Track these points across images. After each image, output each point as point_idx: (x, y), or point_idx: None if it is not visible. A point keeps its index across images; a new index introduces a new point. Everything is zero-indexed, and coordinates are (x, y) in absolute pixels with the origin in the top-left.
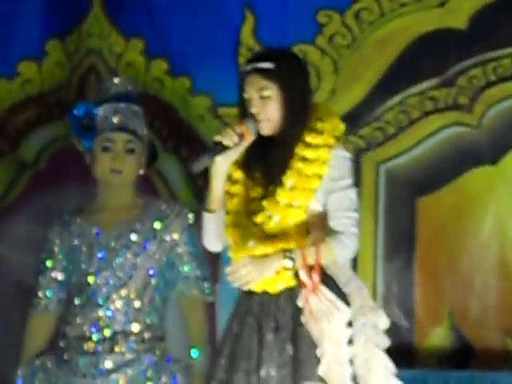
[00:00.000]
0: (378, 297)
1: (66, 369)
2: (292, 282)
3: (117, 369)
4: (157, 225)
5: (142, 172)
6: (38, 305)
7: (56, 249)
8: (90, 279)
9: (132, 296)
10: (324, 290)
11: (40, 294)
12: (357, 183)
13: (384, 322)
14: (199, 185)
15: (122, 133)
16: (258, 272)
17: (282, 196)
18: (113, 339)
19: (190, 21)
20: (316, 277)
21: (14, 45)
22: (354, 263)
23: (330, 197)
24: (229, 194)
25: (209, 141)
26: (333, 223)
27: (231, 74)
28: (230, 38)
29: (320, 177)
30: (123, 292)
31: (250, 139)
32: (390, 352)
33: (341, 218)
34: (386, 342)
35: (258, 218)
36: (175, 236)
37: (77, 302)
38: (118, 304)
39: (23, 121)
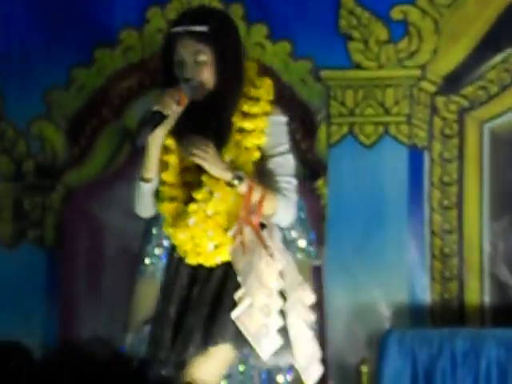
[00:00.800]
0: (484, 256)
1: None
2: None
3: None
4: None
5: None
6: (144, 272)
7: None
8: None
9: None
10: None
11: (147, 260)
12: (461, 143)
13: (310, 297)
14: (302, 148)
15: None
16: (212, 159)
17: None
18: None
19: None
20: (256, 219)
21: (116, 13)
22: (460, 223)
23: (267, 163)
24: (161, 163)
25: (311, 104)
26: (273, 188)
27: (332, 37)
28: (331, 0)
29: (259, 147)
30: None
31: (185, 105)
32: (498, 310)
33: (281, 182)
34: (312, 318)
35: (199, 195)
36: None
37: None
38: None
39: (126, 88)
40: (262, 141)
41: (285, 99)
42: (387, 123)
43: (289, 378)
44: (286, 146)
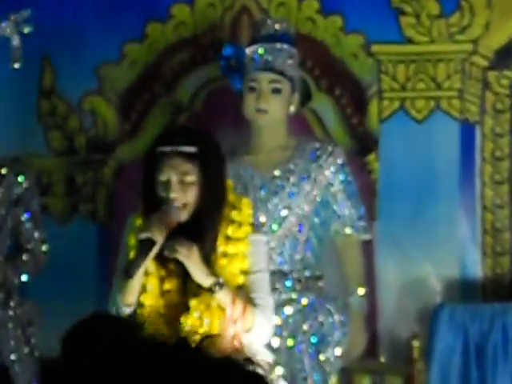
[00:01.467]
0: None
1: None
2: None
3: (274, 308)
4: (310, 165)
5: (292, 112)
6: None
7: None
8: None
9: (287, 236)
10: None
11: None
12: None
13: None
14: (353, 123)
15: (267, 72)
16: (196, 260)
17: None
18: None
19: None
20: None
21: None
22: (511, 198)
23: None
24: (141, 286)
25: (362, 79)
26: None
27: (384, 11)
28: None
29: (244, 272)
30: (278, 232)
31: (172, 227)
32: None
33: (257, 299)
34: None
35: (188, 321)
36: (329, 175)
37: None
38: (274, 244)
39: (178, 63)
40: (246, 264)
41: (336, 74)
42: (439, 98)
43: (337, 352)
44: (262, 266)
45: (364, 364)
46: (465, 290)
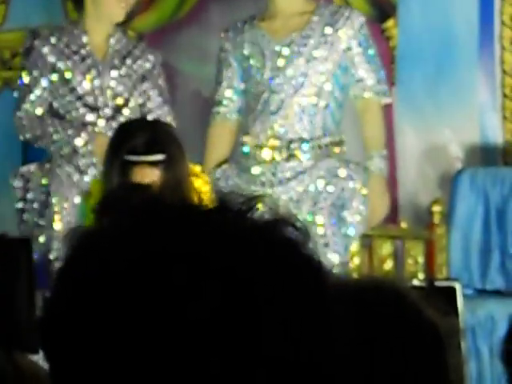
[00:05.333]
0: None
1: (245, 177)
2: None
3: (295, 176)
4: (328, 29)
5: None
6: (217, 114)
7: (231, 58)
8: (264, 87)
9: (306, 102)
10: None
11: (218, 103)
12: None
13: None
14: None
15: None
16: None
17: None
18: (289, 147)
19: None
20: None
21: None
22: None
23: None
24: None
25: None
26: None
27: None
28: None
29: None
30: (297, 99)
31: None
32: None
33: None
34: None
35: None
36: (346, 39)
37: (253, 111)
38: (292, 111)
39: None
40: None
41: None
42: None
43: (358, 217)
44: None
45: (385, 230)
46: (485, 155)
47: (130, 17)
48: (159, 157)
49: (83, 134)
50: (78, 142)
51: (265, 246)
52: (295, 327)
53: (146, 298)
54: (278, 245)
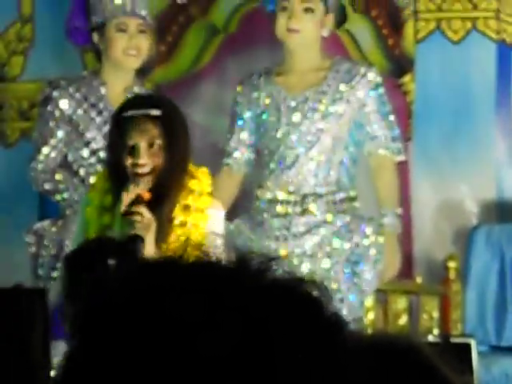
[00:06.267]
0: None
1: (259, 231)
2: None
3: (308, 230)
4: (343, 86)
5: (325, 33)
6: (225, 165)
7: (244, 111)
8: (279, 142)
9: (321, 158)
10: None
11: (228, 155)
12: None
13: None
14: (389, 44)
15: None
16: (148, 236)
17: None
18: (304, 201)
19: None
20: None
21: None
22: None
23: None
24: None
25: (398, 0)
26: None
27: None
28: None
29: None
30: (312, 154)
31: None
32: None
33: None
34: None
35: None
36: (362, 96)
37: (267, 165)
38: (308, 166)
39: None
40: (203, 236)
41: None
42: (475, 18)
43: (372, 273)
44: (219, 240)
45: (400, 285)
46: (501, 211)
47: (149, 69)
48: (157, 111)
49: None
50: None
51: (284, 300)
52: (310, 375)
53: (166, 334)
54: (298, 300)
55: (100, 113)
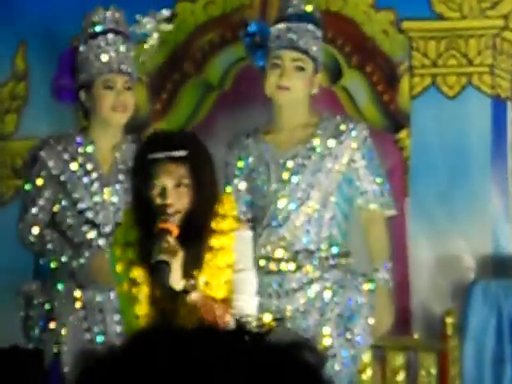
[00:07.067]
0: None
1: None
2: None
3: (301, 287)
4: (332, 142)
5: (314, 91)
6: None
7: (235, 171)
8: (270, 200)
9: (312, 214)
10: None
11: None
12: None
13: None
14: (384, 100)
15: (292, 50)
16: (174, 265)
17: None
18: (296, 258)
19: None
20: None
21: None
22: None
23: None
24: (131, 297)
25: (393, 56)
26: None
27: None
28: None
29: (230, 266)
30: (303, 211)
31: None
32: None
33: (238, 301)
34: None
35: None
36: (351, 151)
37: (260, 222)
38: (299, 223)
39: (207, 42)
40: (232, 258)
41: (366, 50)
42: (470, 74)
43: (365, 329)
44: (248, 263)
45: (397, 340)
46: (498, 266)
47: (145, 125)
48: (183, 152)
49: (81, 259)
50: (76, 264)
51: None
52: None
53: None
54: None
55: (88, 173)
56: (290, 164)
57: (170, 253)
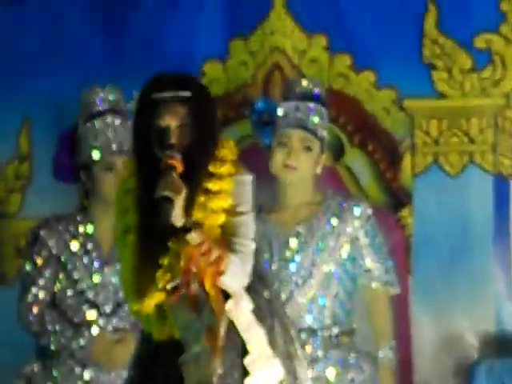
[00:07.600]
0: None
1: None
2: None
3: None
4: (335, 220)
5: (319, 171)
6: None
7: None
8: (273, 278)
9: (315, 293)
10: None
11: None
12: None
13: (276, 373)
14: (387, 178)
15: (300, 130)
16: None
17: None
18: (299, 337)
19: (372, 15)
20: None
21: (199, 46)
22: None
23: (227, 222)
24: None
25: (395, 134)
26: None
27: (416, 66)
28: (414, 30)
29: (224, 209)
30: (306, 289)
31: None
32: None
33: (237, 244)
34: None
35: (165, 261)
36: (353, 229)
37: None
38: (302, 301)
39: None
40: (228, 203)
41: (368, 129)
42: (472, 152)
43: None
44: (247, 206)
45: None
46: (501, 345)
47: None
48: (187, 93)
49: (81, 340)
50: (75, 344)
51: None
52: None
53: None
54: None
55: (88, 252)
56: (292, 243)
57: (174, 189)
